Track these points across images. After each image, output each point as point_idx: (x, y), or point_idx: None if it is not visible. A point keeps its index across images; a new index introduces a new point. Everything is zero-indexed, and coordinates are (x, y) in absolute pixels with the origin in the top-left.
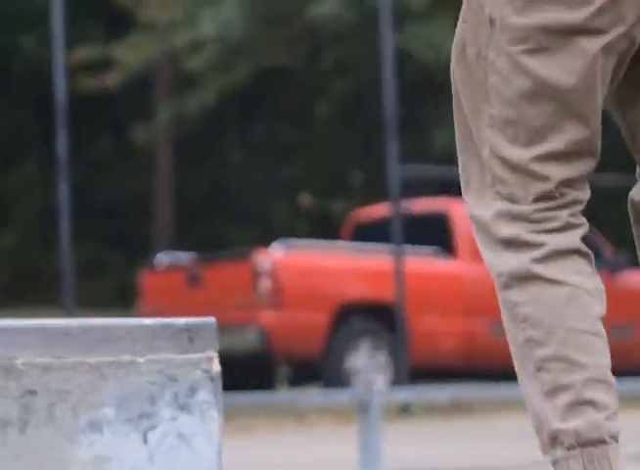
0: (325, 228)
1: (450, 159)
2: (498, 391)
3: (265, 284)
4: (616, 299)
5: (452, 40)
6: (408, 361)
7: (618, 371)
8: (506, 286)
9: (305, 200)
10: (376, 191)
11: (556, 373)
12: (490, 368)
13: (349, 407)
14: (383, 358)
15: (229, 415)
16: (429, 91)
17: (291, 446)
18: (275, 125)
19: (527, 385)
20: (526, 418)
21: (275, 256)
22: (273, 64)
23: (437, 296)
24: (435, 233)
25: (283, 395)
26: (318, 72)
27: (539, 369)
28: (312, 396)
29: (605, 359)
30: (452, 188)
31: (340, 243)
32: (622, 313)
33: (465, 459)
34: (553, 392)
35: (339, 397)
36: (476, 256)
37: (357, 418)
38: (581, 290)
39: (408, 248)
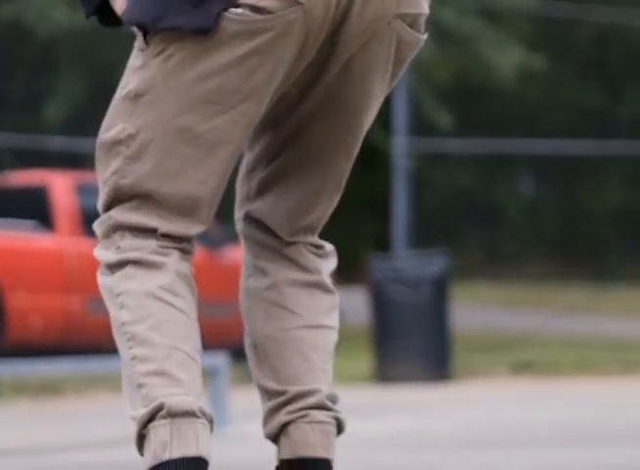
0: None
1: (62, 131)
2: (90, 366)
3: None
4: (217, 275)
5: (59, 11)
6: (3, 339)
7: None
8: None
9: None
10: None
11: (154, 387)
12: (87, 346)
13: None
14: None
15: None
16: (42, 63)
17: None
18: None
19: (127, 392)
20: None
21: None
22: None
23: (34, 271)
24: (35, 207)
25: None
26: None
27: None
28: None
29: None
30: (53, 160)
31: None
32: (224, 290)
33: (51, 438)
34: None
35: None
36: (75, 231)
37: None
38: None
39: (3, 222)
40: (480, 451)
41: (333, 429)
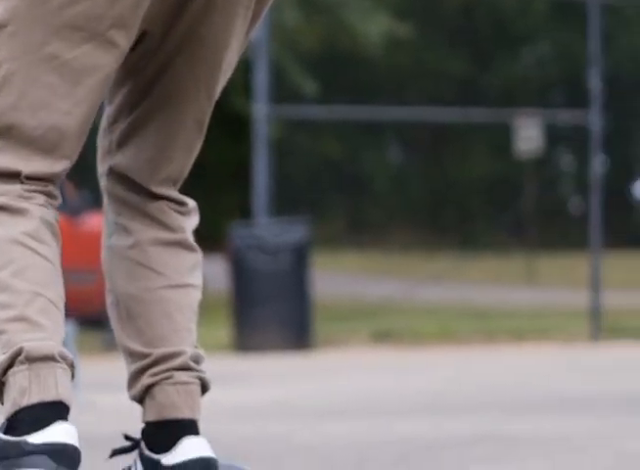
0: None
1: None
2: None
3: None
4: (77, 243)
5: None
6: None
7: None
8: None
9: None
10: None
11: (14, 333)
12: None
13: None
14: None
15: None
16: None
17: None
18: None
19: None
20: None
21: None
22: None
23: None
24: None
25: None
26: None
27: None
28: None
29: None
30: None
31: None
32: (84, 258)
33: None
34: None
35: None
36: None
37: None
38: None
39: None
40: (342, 421)
41: (197, 389)
